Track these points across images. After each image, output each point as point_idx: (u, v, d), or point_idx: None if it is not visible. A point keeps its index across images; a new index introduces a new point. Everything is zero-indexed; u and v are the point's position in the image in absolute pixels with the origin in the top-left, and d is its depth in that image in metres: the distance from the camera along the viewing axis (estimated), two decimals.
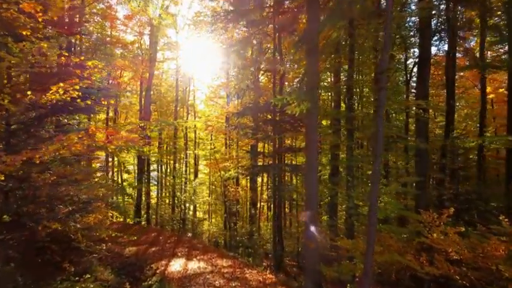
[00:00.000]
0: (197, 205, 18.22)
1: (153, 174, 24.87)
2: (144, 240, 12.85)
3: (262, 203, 22.13)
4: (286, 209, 21.20)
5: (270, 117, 10.88)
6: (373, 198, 4.21)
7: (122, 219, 22.77)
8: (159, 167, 24.96)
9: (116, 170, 24.53)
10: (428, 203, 8.12)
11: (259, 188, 23.02)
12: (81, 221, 5.86)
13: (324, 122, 17.64)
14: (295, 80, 13.47)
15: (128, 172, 24.95)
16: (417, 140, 7.91)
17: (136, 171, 21.64)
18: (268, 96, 11.63)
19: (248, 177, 18.10)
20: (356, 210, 8.53)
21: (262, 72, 11.48)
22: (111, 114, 22.55)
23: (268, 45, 12.61)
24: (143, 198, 20.22)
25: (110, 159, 23.01)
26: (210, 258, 9.82)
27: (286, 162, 16.41)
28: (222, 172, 14.28)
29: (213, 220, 23.39)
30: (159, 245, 11.92)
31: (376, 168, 4.28)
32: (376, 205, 4.31)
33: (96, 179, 6.46)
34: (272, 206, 11.20)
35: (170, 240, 13.10)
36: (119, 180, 23.47)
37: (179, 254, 10.44)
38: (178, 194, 17.49)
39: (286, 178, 19.31)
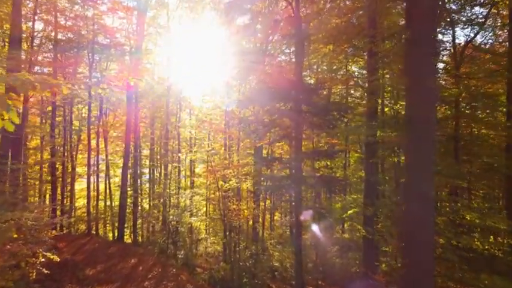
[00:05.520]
0: (192, 223, 15.02)
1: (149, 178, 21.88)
2: (117, 273, 9.74)
3: (266, 207, 19.08)
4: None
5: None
6: None
7: (110, 234, 19.60)
8: (151, 171, 21.89)
9: (102, 173, 21.43)
10: None
11: (261, 194, 19.91)
12: None
13: (352, 123, 14.08)
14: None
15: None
16: None
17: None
18: (288, 74, 8.52)
19: (250, 183, 15.06)
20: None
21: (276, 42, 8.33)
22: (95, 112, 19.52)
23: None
24: (130, 209, 17.27)
25: (94, 161, 20.03)
26: None
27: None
28: (221, 182, 11.22)
29: (211, 229, 20.24)
30: (135, 283, 8.84)
31: None
32: None
33: None
34: (290, 233, 8.08)
35: (152, 272, 10.01)
36: (107, 185, 20.38)
37: None
38: (168, 209, 14.29)
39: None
